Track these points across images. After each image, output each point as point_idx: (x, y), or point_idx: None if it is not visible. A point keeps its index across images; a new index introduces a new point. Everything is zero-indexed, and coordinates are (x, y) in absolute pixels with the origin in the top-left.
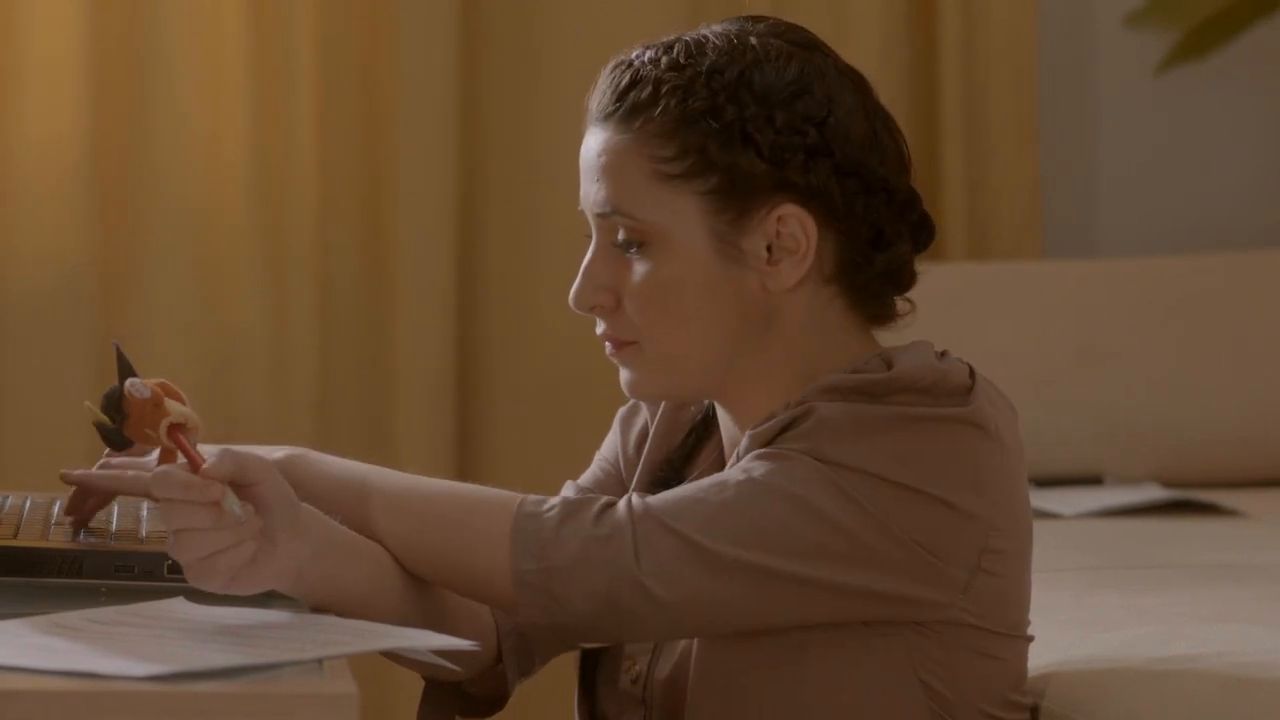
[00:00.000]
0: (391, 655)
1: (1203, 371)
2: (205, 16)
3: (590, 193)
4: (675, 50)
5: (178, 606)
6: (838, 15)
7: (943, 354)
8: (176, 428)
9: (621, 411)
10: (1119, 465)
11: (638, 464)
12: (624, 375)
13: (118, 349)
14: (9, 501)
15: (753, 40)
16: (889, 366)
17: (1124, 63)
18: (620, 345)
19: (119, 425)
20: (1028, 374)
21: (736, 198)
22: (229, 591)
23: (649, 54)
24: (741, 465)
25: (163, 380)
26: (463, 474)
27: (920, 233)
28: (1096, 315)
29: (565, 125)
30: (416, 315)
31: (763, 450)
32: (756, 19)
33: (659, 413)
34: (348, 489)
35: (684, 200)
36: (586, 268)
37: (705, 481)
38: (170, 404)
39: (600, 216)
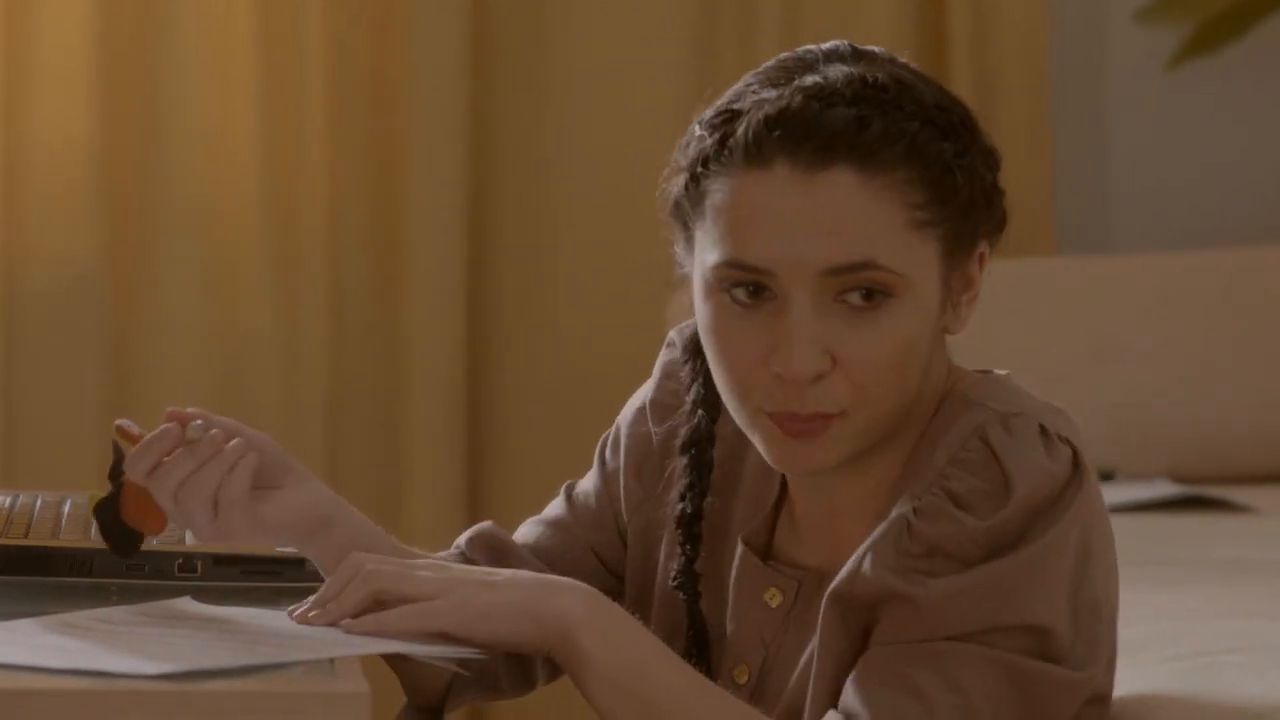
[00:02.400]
0: (391, 659)
1: (1215, 367)
2: (216, 18)
3: (806, 244)
4: (875, 85)
5: (187, 606)
6: (848, 13)
7: (1045, 435)
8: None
9: (631, 429)
10: (1131, 461)
11: (639, 491)
12: (803, 449)
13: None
14: (19, 500)
15: (918, 74)
16: (991, 452)
17: (1136, 58)
18: (822, 420)
19: (116, 494)
20: (1040, 370)
21: (964, 241)
22: (252, 530)
23: (842, 91)
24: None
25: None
26: (473, 475)
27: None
28: (1109, 311)
29: (577, 125)
30: (427, 317)
31: (908, 647)
32: (872, 51)
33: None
34: (601, 678)
35: (929, 248)
36: (804, 329)
37: (900, 676)
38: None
39: (838, 272)
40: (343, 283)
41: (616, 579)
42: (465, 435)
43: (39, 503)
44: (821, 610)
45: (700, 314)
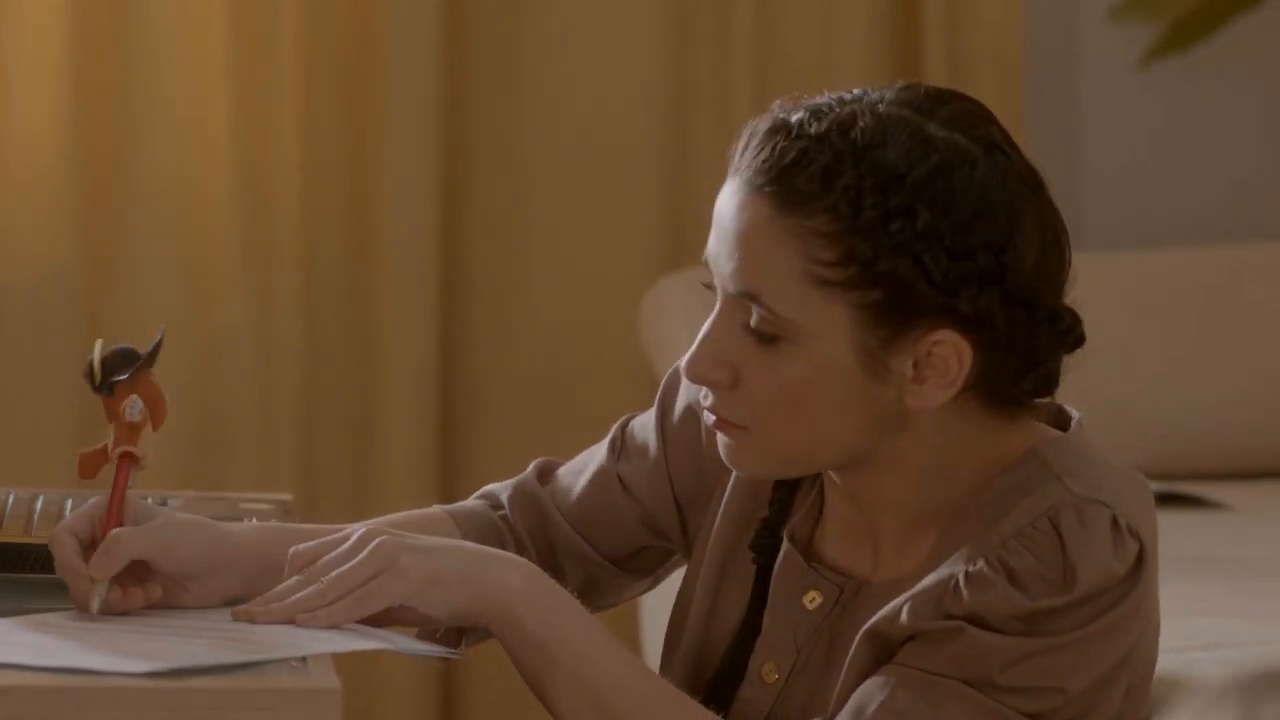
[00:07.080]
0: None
1: (1188, 364)
2: (190, 12)
3: (723, 259)
4: (851, 132)
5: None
6: (823, 12)
7: (1116, 528)
8: (129, 458)
9: (685, 408)
10: None
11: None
12: (726, 446)
13: (163, 335)
14: None
15: (937, 134)
16: (1059, 539)
17: (1108, 57)
18: (726, 426)
19: (106, 385)
20: None
21: (894, 317)
22: None
23: (816, 126)
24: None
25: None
26: (447, 466)
27: (1073, 347)
28: (1081, 309)
29: (550, 114)
30: (401, 310)
31: (915, 673)
32: (937, 96)
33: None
34: (534, 650)
35: (836, 309)
36: (706, 337)
37: (868, 707)
38: (145, 433)
39: (735, 295)
40: (317, 276)
41: (656, 535)
42: (439, 426)
43: (11, 499)
44: (856, 641)
45: None
